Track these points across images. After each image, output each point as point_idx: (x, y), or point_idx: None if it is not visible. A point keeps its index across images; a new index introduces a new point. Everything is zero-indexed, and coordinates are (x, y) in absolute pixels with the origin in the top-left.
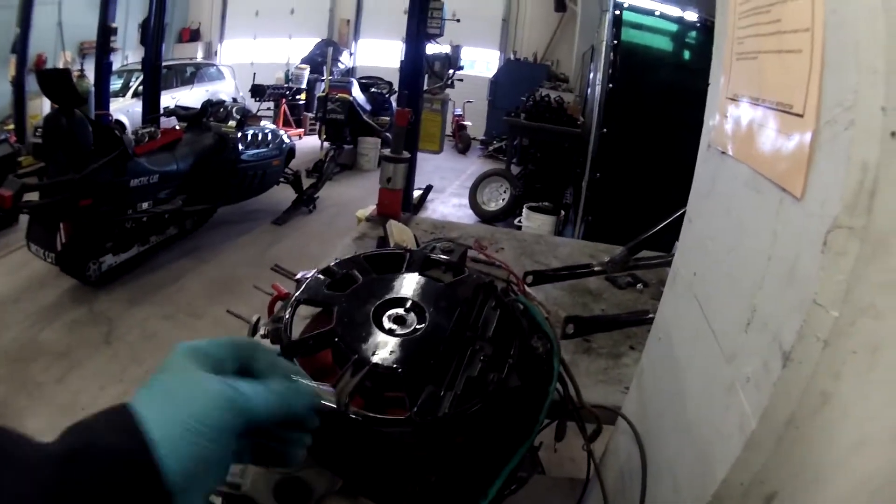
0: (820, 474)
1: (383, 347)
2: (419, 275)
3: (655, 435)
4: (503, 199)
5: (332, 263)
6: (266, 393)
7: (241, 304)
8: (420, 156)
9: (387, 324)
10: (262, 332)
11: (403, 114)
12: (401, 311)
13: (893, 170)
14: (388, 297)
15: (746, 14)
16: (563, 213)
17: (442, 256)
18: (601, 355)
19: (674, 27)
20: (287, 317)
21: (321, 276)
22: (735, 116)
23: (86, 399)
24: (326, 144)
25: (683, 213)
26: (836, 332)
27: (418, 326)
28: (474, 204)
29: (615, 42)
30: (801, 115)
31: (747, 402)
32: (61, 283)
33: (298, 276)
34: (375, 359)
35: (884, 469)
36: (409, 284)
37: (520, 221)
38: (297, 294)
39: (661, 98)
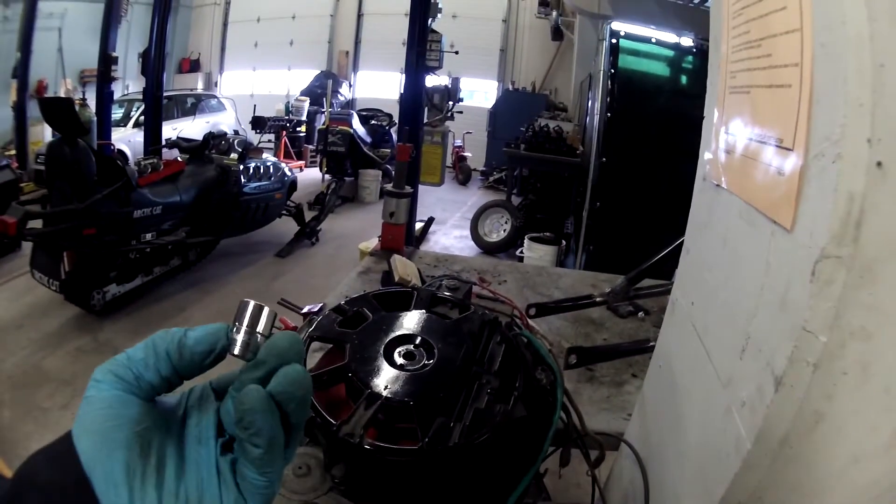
0: (817, 489)
1: (395, 382)
2: (427, 312)
3: (657, 459)
4: (504, 230)
5: (343, 302)
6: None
7: None
8: (421, 188)
9: (397, 359)
10: None
11: (405, 149)
12: (410, 347)
13: (879, 198)
14: (397, 333)
15: (739, 48)
16: (564, 242)
17: (448, 294)
18: (604, 384)
19: (670, 53)
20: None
21: (333, 314)
22: (728, 150)
23: None
24: (328, 177)
25: (682, 243)
26: (826, 355)
27: (427, 362)
28: (476, 235)
29: (612, 70)
30: (790, 149)
31: (742, 425)
32: (65, 311)
33: (305, 310)
34: (387, 393)
35: (881, 480)
36: (417, 321)
37: (521, 252)
38: (310, 330)
39: (660, 125)
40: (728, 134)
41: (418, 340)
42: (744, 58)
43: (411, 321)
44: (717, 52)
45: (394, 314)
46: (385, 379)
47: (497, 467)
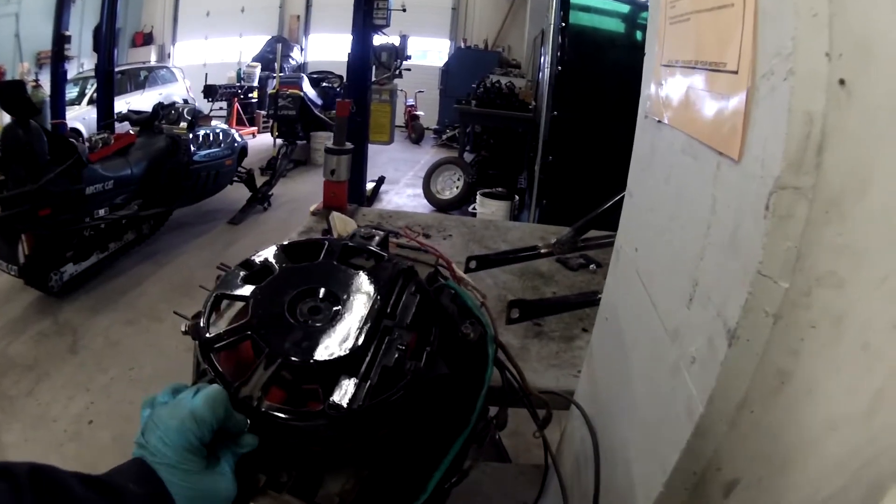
0: (788, 459)
1: (297, 339)
2: (337, 263)
3: (607, 419)
4: (457, 188)
5: (252, 255)
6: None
7: (199, 305)
8: (373, 148)
9: (301, 315)
10: (182, 329)
11: (344, 105)
12: (315, 301)
13: (844, 120)
14: (303, 287)
15: None
16: (517, 198)
17: (361, 243)
18: (553, 339)
19: (625, 8)
20: (205, 312)
21: (239, 270)
22: (669, 83)
23: (56, 410)
24: (279, 141)
25: None
26: (788, 304)
27: (333, 314)
28: (428, 193)
29: (563, 25)
30: (735, 72)
31: (693, 384)
32: (26, 295)
33: None
34: (288, 351)
35: (862, 450)
36: (325, 273)
37: (474, 208)
38: (214, 289)
39: (612, 78)
40: (668, 66)
41: (323, 293)
42: None
43: (319, 273)
44: None
45: (301, 266)
46: (287, 336)
47: (421, 430)
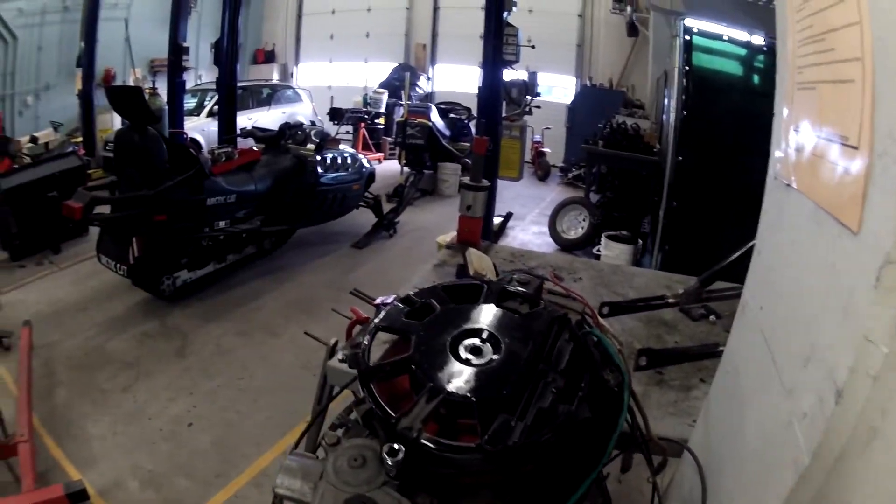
0: None
1: (458, 376)
2: (496, 306)
3: (717, 467)
4: (582, 228)
5: (412, 292)
6: None
7: (319, 325)
8: (500, 183)
9: (463, 353)
10: (339, 356)
11: (482, 142)
12: (477, 341)
13: None
14: (465, 327)
15: (804, 42)
16: (640, 242)
17: (519, 289)
18: (672, 387)
19: (742, 51)
20: (366, 342)
21: (400, 305)
22: (797, 148)
23: (153, 409)
24: (406, 169)
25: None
26: (886, 367)
27: (493, 357)
28: (553, 232)
29: (687, 67)
30: (856, 147)
31: (802, 438)
32: (132, 295)
33: (378, 301)
34: (450, 387)
35: None
36: (485, 316)
37: (598, 250)
38: (376, 320)
39: (734, 124)
40: (797, 131)
41: (485, 335)
42: (809, 52)
43: (479, 315)
44: (783, 47)
45: (462, 307)
46: (448, 373)
47: (558, 469)
